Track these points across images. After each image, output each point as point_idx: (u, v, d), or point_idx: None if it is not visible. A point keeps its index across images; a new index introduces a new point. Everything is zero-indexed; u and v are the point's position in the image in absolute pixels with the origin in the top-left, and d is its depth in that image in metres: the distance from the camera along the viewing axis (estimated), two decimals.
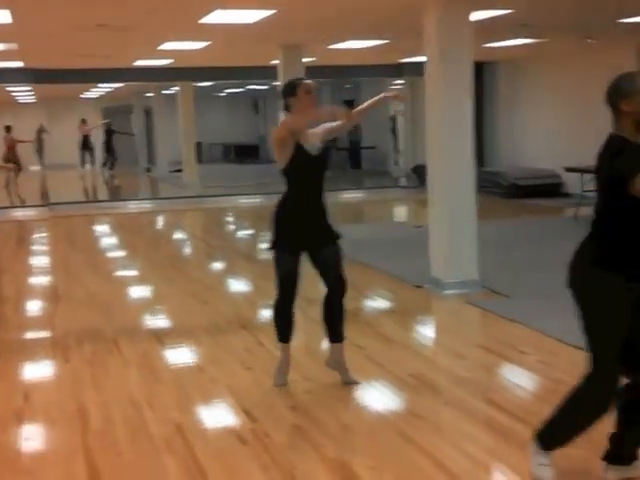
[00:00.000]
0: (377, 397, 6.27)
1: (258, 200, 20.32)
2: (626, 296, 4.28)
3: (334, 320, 6.32)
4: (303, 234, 6.10)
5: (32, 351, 7.94)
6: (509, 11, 11.58)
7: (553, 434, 4.58)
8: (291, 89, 6.04)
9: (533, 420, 4.91)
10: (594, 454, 4.67)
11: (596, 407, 4.41)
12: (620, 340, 4.34)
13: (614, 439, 4.56)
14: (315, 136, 6.14)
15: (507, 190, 19.59)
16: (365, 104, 6.62)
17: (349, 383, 6.38)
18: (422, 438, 5.36)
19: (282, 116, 6.22)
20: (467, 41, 9.53)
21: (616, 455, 4.55)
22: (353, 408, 6.07)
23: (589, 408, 4.45)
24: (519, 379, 6.60)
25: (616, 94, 4.22)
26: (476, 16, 10.34)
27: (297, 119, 5.98)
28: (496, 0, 10.87)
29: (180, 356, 7.60)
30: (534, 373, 6.63)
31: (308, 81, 6.10)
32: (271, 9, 10.74)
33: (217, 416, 6.02)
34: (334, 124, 6.27)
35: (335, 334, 6.35)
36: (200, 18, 11.19)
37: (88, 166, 33.14)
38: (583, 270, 4.36)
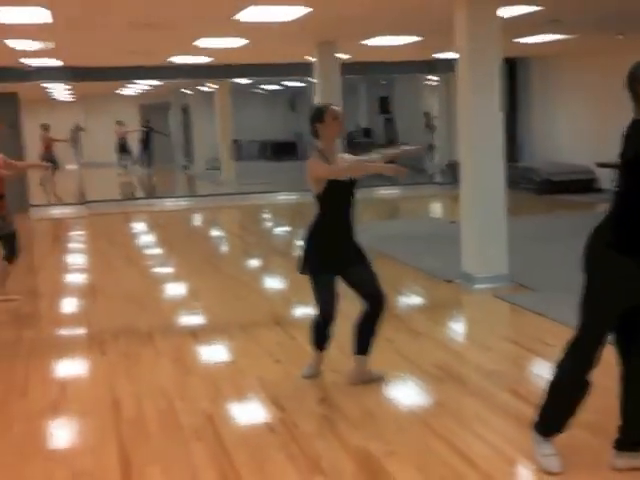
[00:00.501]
0: (403, 388, 6.39)
1: (294, 197, 20.43)
2: (636, 283, 4.36)
3: (367, 335, 6.40)
4: (336, 254, 6.21)
5: (69, 345, 8.12)
6: (538, 8, 11.60)
7: (547, 419, 4.71)
8: (318, 115, 6.17)
9: None
10: (609, 444, 4.76)
11: (577, 384, 4.54)
12: (612, 324, 4.44)
13: (621, 426, 4.65)
14: (343, 161, 6.32)
15: (540, 186, 19.59)
16: (394, 152, 6.91)
17: (375, 380, 6.49)
18: (445, 427, 5.47)
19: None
20: (496, 37, 9.57)
21: (625, 442, 4.64)
22: (379, 399, 6.16)
23: (571, 385, 4.58)
24: (544, 371, 6.65)
25: (635, 79, 4.27)
26: (505, 12, 10.36)
27: (345, 171, 6.17)
28: None
29: (213, 350, 7.75)
30: None
31: (335, 107, 6.23)
32: (306, 6, 10.82)
33: (246, 407, 6.15)
34: (366, 162, 6.49)
35: (364, 348, 6.42)
36: (234, 15, 11.29)
37: (127, 165, 33.09)
38: (597, 252, 4.45)
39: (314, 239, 6.28)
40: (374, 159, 6.52)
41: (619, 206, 4.39)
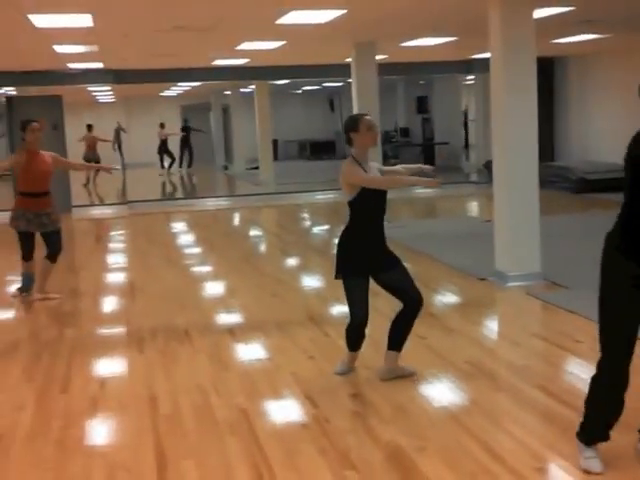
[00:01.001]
0: (435, 384, 6.47)
1: (332, 196, 20.48)
2: None
3: (403, 333, 6.54)
4: (368, 259, 6.35)
5: (108, 343, 8.27)
6: (570, 8, 11.63)
7: (588, 429, 4.74)
8: (353, 124, 6.30)
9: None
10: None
11: (612, 392, 4.56)
12: (630, 327, 4.47)
13: None
14: (374, 168, 6.47)
15: (576, 184, 19.51)
16: (413, 167, 6.88)
17: (407, 376, 6.60)
18: (475, 424, 5.55)
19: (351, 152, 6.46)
20: (530, 38, 9.62)
21: None
22: (411, 395, 6.24)
23: (606, 395, 4.60)
24: (575, 368, 6.73)
25: None
26: (537, 13, 10.41)
27: (383, 182, 6.35)
28: None
29: (249, 347, 7.86)
30: (589, 362, 6.70)
31: (368, 117, 6.37)
32: (342, 8, 10.93)
33: (280, 402, 6.26)
34: (402, 176, 6.65)
35: (397, 344, 6.55)
36: (277, 19, 11.44)
37: (171, 165, 33.09)
38: (607, 255, 4.52)
39: (346, 244, 6.41)
40: (398, 171, 6.68)
41: (627, 210, 4.45)
